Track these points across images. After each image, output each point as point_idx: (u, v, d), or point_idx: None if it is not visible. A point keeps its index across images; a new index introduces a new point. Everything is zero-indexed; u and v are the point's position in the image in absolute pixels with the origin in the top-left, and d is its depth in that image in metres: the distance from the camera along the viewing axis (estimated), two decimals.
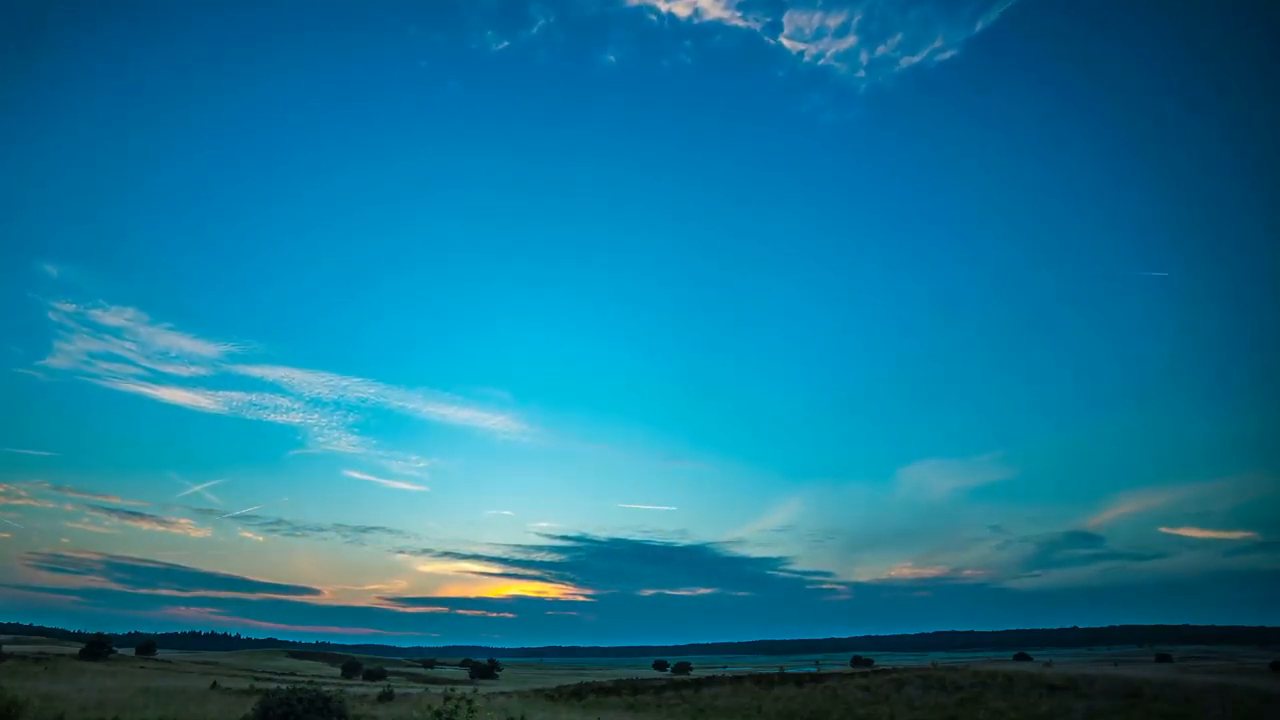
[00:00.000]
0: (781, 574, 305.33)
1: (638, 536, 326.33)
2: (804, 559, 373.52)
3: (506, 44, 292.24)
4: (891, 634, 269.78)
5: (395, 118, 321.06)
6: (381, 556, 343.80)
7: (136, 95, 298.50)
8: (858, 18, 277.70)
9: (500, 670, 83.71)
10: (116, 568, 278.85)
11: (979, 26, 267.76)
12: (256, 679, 40.94)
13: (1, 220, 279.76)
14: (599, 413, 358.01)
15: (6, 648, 54.82)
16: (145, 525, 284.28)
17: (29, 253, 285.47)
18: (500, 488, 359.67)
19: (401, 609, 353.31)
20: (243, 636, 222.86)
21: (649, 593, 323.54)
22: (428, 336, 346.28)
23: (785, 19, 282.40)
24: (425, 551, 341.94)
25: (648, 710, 29.86)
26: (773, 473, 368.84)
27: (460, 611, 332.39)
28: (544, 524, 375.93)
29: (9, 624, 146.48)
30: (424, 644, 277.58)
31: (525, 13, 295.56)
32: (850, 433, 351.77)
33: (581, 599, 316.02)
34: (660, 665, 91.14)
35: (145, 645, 66.44)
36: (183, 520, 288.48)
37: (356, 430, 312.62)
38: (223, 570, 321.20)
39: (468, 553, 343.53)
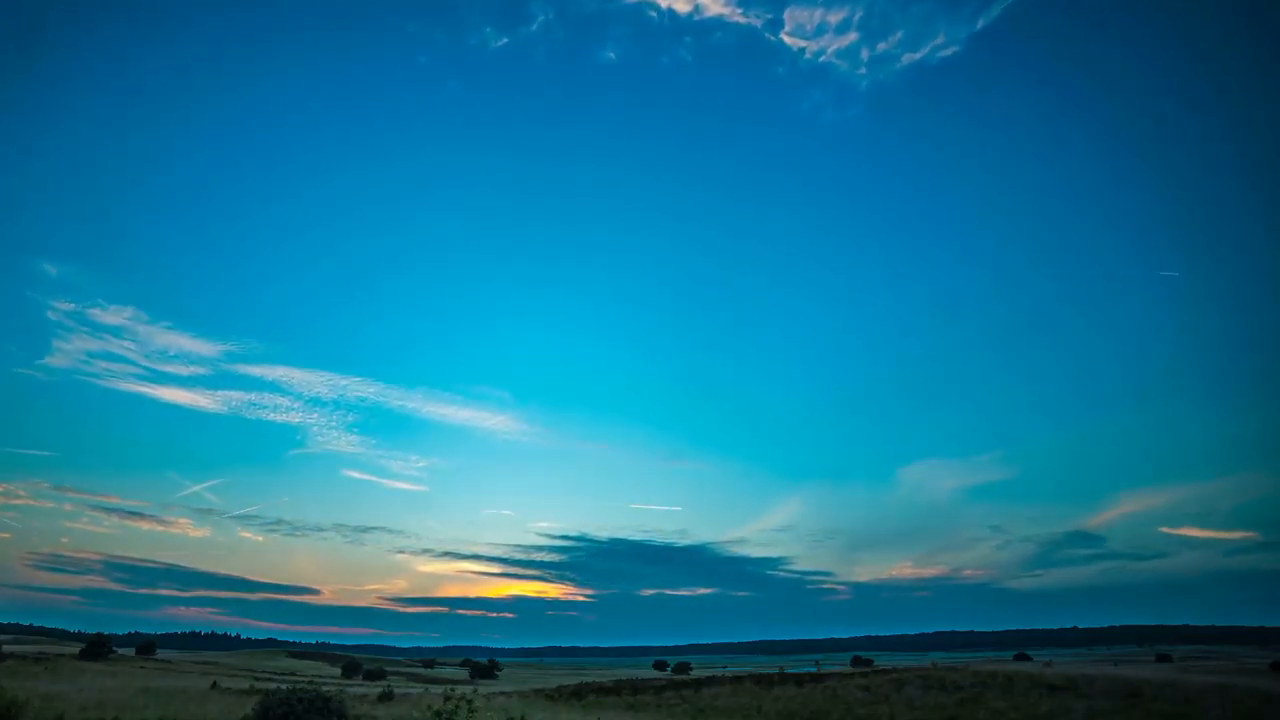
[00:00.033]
0: (782, 574, 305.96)
1: (638, 536, 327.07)
2: (804, 559, 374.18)
3: (506, 41, 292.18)
4: (891, 634, 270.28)
5: (394, 116, 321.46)
6: (381, 556, 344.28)
7: (135, 94, 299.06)
8: (859, 14, 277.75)
9: (500, 670, 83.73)
10: (116, 568, 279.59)
11: (980, 23, 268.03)
12: (256, 679, 40.94)
13: (0, 219, 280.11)
14: (599, 413, 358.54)
15: (6, 648, 54.82)
16: (145, 525, 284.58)
17: (28, 252, 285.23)
18: (500, 488, 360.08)
19: (401, 609, 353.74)
20: (243, 636, 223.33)
21: (649, 593, 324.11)
22: (427, 336, 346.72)
23: (786, 15, 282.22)
24: (425, 551, 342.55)
25: (648, 710, 29.86)
26: (773, 473, 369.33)
27: (460, 611, 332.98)
28: (544, 524, 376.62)
29: (9, 624, 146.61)
30: (424, 644, 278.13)
31: (525, 9, 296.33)
32: (850, 433, 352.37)
33: (581, 599, 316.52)
34: (660, 665, 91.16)
35: (145, 645, 66.46)
36: (182, 520, 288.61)
37: (356, 430, 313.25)
38: (222, 570, 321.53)
39: (468, 553, 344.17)
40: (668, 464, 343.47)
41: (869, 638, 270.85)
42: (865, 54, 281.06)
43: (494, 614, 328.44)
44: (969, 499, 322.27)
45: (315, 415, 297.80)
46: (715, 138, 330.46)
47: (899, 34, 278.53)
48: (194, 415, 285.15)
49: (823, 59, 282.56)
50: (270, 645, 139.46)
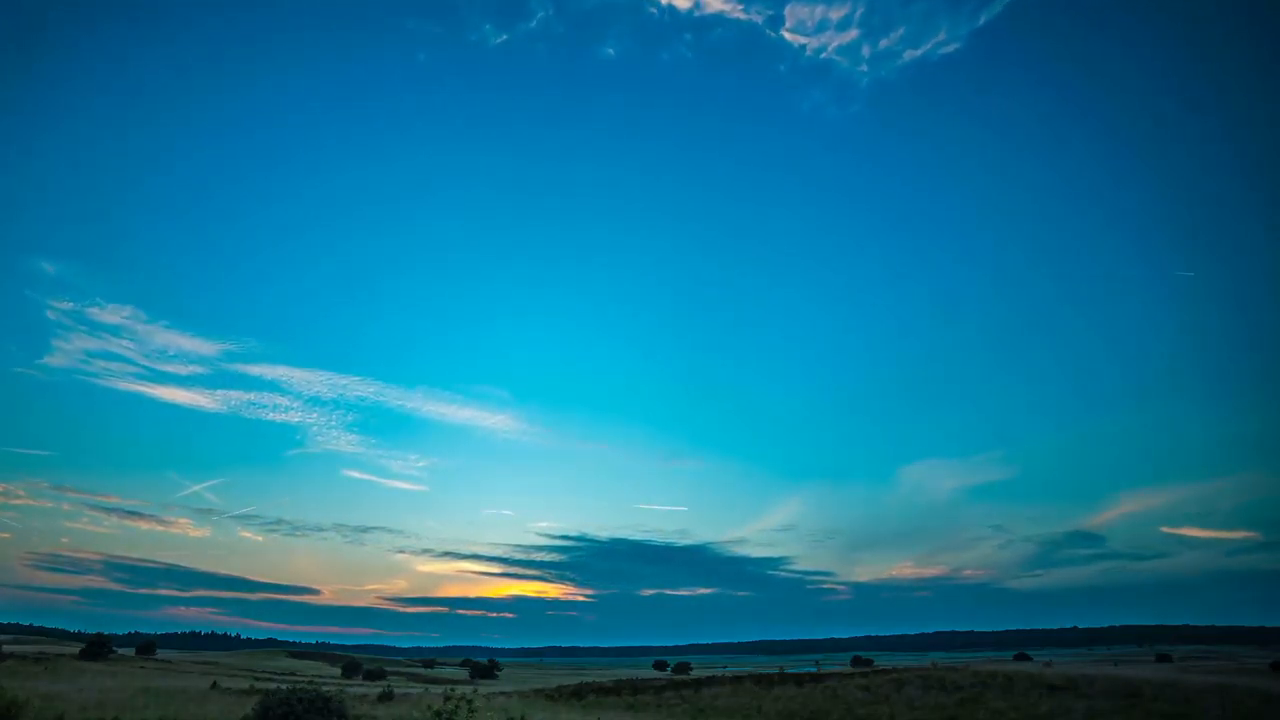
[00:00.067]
0: (782, 574, 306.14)
1: (638, 536, 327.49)
2: (804, 559, 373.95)
3: (505, 37, 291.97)
4: (891, 634, 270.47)
5: (394, 114, 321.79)
6: (381, 556, 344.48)
7: (134, 94, 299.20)
8: (860, 10, 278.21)
9: (500, 670, 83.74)
10: (116, 567, 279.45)
11: (982, 19, 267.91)
12: (256, 679, 40.95)
13: None
14: (599, 412, 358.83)
15: (6, 648, 54.82)
16: (145, 525, 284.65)
17: (26, 251, 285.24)
18: (500, 487, 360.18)
19: (401, 609, 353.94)
20: (242, 636, 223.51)
21: (649, 593, 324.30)
22: (427, 335, 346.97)
23: (787, 12, 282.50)
24: (425, 551, 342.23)
25: (648, 710, 29.86)
26: (773, 473, 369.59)
27: (460, 611, 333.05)
28: (544, 524, 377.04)
29: (9, 624, 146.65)
30: (424, 644, 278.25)
31: (524, 6, 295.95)
32: (850, 433, 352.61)
33: (581, 599, 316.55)
34: (660, 665, 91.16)
35: (145, 645, 66.46)
36: (182, 520, 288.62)
37: (356, 429, 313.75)
38: (222, 570, 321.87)
39: (467, 552, 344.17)
40: (668, 464, 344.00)
41: (869, 638, 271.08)
42: (866, 51, 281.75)
43: (494, 614, 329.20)
44: (969, 499, 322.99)
45: (315, 415, 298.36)
46: (715, 135, 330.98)
47: (900, 30, 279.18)
48: (193, 415, 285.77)
49: (824, 56, 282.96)
50: (270, 645, 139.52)
